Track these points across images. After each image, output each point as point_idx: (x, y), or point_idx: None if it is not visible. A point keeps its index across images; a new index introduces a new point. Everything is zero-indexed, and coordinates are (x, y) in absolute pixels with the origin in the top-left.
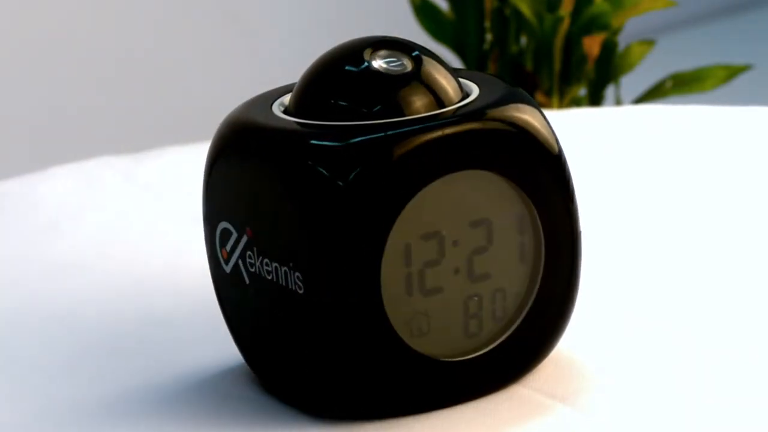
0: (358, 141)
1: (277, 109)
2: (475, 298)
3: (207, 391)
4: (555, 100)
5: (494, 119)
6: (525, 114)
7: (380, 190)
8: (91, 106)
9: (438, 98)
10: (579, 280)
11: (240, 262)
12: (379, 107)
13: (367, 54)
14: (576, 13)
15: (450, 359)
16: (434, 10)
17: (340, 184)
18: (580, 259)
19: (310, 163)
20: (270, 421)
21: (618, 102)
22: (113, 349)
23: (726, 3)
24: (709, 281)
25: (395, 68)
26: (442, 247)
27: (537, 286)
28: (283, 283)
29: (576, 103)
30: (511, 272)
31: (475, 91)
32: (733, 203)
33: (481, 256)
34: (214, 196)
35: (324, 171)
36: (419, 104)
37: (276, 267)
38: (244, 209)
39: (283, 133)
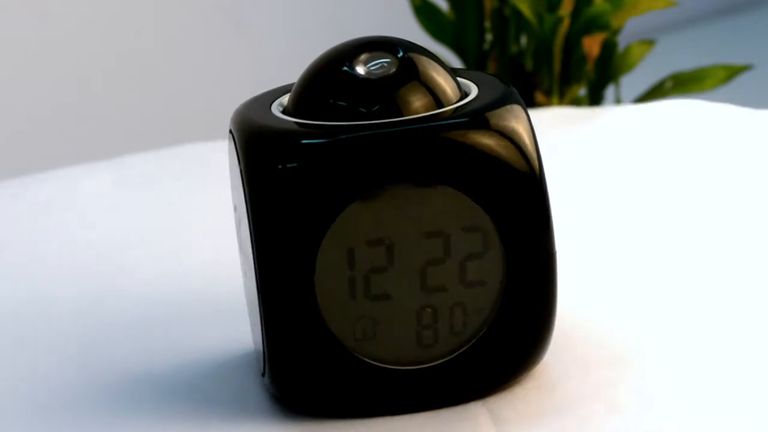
0: (308, 142)
1: (275, 109)
2: (429, 310)
3: (210, 378)
4: (555, 100)
5: (466, 130)
6: (508, 126)
7: (316, 189)
8: (91, 106)
9: (434, 98)
10: (554, 304)
11: (242, 243)
12: (377, 107)
13: (357, 56)
14: (576, 13)
15: (400, 367)
16: (434, 10)
17: (278, 176)
18: (555, 283)
19: (259, 153)
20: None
21: (618, 102)
22: (120, 336)
23: (726, 3)
24: (706, 296)
25: (380, 70)
26: (391, 255)
27: (499, 306)
28: (250, 270)
29: (576, 103)
30: (472, 288)
31: (473, 92)
32: (733, 204)
33: (436, 268)
34: (230, 180)
35: (266, 161)
36: (415, 105)
37: (249, 254)
38: (237, 197)
39: (265, 129)
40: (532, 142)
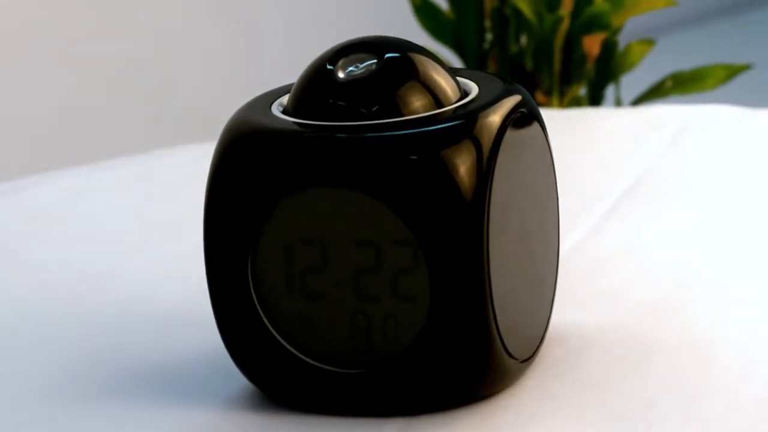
0: (255, 136)
1: (275, 109)
2: (361, 317)
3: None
4: (555, 99)
5: (407, 143)
6: (466, 140)
7: (254, 183)
8: (91, 106)
9: (436, 98)
10: (491, 333)
11: None
12: (377, 107)
13: (343, 57)
14: (576, 12)
15: (331, 368)
16: (434, 9)
17: (222, 166)
18: (488, 307)
19: (219, 147)
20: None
21: (618, 102)
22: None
23: (726, 3)
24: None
25: (360, 72)
26: (325, 256)
27: (426, 322)
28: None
29: (576, 102)
30: (403, 301)
31: (473, 91)
32: (732, 205)
33: (369, 277)
34: None
35: (220, 152)
36: (417, 105)
37: None
38: None
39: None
40: (485, 161)
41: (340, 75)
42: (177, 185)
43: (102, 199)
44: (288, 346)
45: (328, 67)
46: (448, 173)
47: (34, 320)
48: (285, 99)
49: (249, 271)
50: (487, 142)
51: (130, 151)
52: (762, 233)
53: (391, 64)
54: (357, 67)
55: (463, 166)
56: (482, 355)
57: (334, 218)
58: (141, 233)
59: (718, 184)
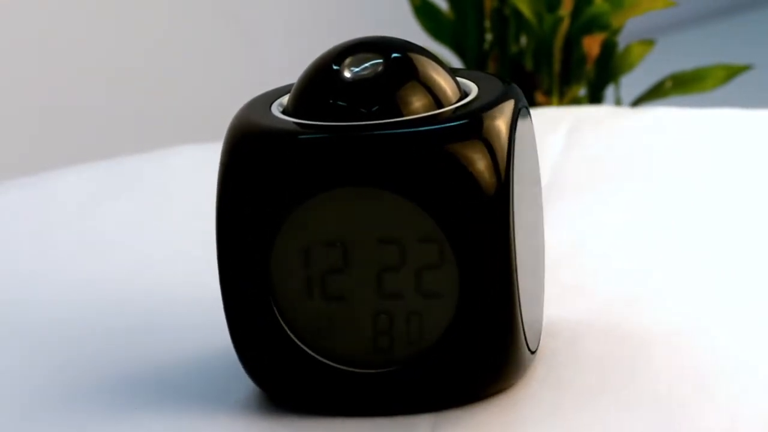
0: (272, 137)
1: (276, 110)
2: (384, 316)
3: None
4: (555, 100)
5: (429, 141)
6: (485, 133)
7: (271, 187)
8: (91, 106)
9: (436, 98)
10: (516, 322)
11: None
12: (367, 108)
13: (347, 58)
14: (576, 13)
15: (353, 369)
16: (434, 10)
17: (237, 170)
18: (515, 301)
19: (228, 148)
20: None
21: (618, 102)
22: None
23: (726, 3)
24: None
25: (366, 72)
26: (347, 257)
27: (453, 318)
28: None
29: (576, 103)
30: (428, 298)
31: (473, 92)
32: (732, 205)
33: (392, 275)
34: None
35: (231, 155)
36: (410, 105)
37: None
38: None
39: (254, 129)
40: (505, 155)
41: (348, 75)
42: (178, 185)
43: (103, 199)
44: (307, 350)
45: (334, 67)
46: (476, 167)
47: (36, 321)
48: (284, 99)
49: (266, 276)
50: (505, 137)
51: (129, 151)
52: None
53: (398, 63)
54: (364, 67)
55: (488, 159)
56: (507, 348)
57: (357, 218)
58: (143, 233)
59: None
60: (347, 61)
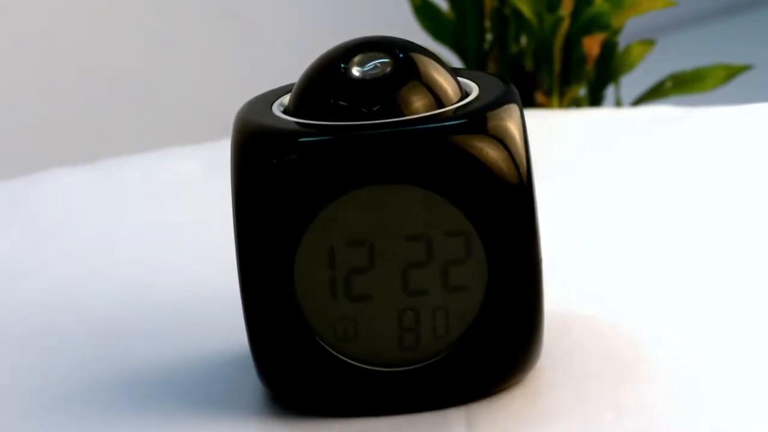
0: (291, 139)
1: (276, 108)
2: (410, 312)
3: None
4: (555, 100)
5: (455, 134)
6: (497, 130)
7: (297, 187)
8: (91, 106)
9: (435, 98)
10: (539, 313)
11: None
12: (376, 107)
13: (352, 57)
14: (576, 13)
15: (380, 368)
16: (434, 10)
17: (259, 173)
18: (540, 291)
19: (246, 150)
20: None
21: (618, 102)
22: (122, 335)
23: (726, 3)
24: (707, 291)
25: (375, 71)
26: (372, 255)
27: (481, 312)
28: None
29: (576, 103)
30: (454, 292)
31: (474, 92)
32: (732, 205)
33: (418, 271)
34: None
35: (251, 158)
36: (419, 104)
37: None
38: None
39: (258, 128)
40: (523, 146)
41: (357, 74)
42: (179, 185)
43: (105, 200)
44: (333, 351)
45: (342, 67)
46: (503, 158)
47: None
48: (285, 100)
49: (290, 280)
50: (521, 130)
51: (128, 151)
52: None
53: (407, 62)
54: (373, 66)
55: (512, 150)
56: (532, 336)
57: (384, 216)
58: (146, 234)
59: (716, 186)
60: (355, 60)
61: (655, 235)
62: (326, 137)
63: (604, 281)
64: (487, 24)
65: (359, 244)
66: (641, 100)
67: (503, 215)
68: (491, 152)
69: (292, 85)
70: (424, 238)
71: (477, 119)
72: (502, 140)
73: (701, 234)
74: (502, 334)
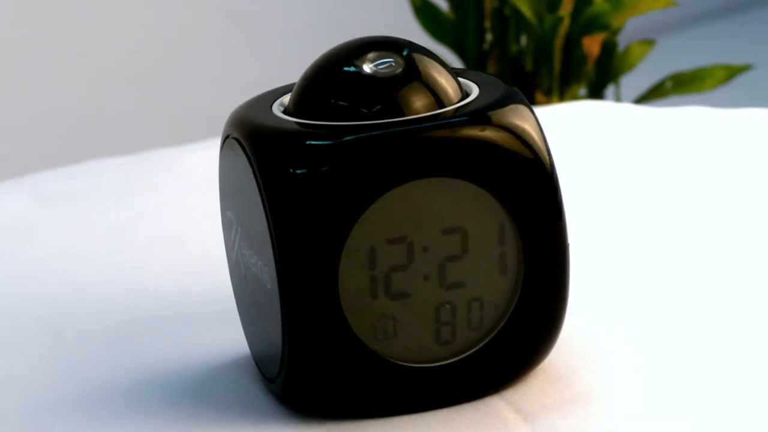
0: (318, 143)
1: (276, 108)
2: (447, 306)
3: (212, 380)
4: (555, 99)
5: (479, 127)
6: (517, 122)
7: (339, 191)
8: (91, 106)
9: (438, 98)
10: (567, 295)
11: (238, 250)
12: (378, 107)
13: (360, 56)
14: (576, 13)
15: (419, 365)
16: (434, 10)
17: (300, 181)
18: (568, 274)
19: (278, 158)
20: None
21: (618, 102)
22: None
23: (726, 3)
24: (709, 292)
25: (387, 70)
26: (411, 252)
27: (516, 299)
28: (259, 276)
29: None
30: (489, 282)
31: (474, 91)
32: (732, 205)
33: (455, 264)
34: (222, 186)
35: (287, 166)
36: (419, 104)
37: (255, 260)
38: (236, 202)
39: (278, 132)
40: (541, 137)
41: (369, 72)
42: (181, 185)
43: (106, 199)
44: (376, 351)
45: (351, 67)
46: (532, 149)
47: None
48: (285, 100)
49: (334, 284)
50: (534, 120)
51: (128, 151)
52: (763, 235)
53: (416, 61)
54: (387, 65)
55: (539, 140)
56: (559, 321)
57: (420, 211)
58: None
59: (716, 185)
60: (366, 57)
61: (654, 234)
62: (361, 139)
63: (604, 281)
64: (487, 24)
65: (398, 242)
66: (641, 100)
67: (534, 201)
68: (515, 143)
69: (290, 86)
70: (459, 230)
71: (496, 113)
72: (520, 132)
73: (699, 226)
74: (534, 320)
